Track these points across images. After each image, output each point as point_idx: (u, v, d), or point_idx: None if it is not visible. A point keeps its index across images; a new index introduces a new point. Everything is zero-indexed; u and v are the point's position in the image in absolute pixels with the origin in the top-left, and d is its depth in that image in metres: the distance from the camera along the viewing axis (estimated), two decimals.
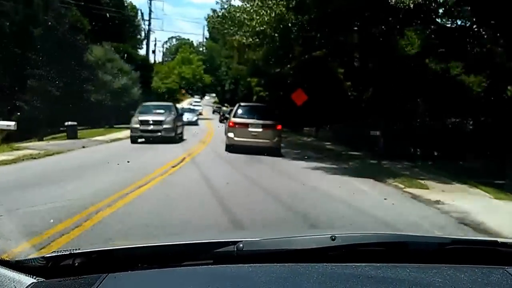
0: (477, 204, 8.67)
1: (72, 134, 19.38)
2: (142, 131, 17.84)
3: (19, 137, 16.79)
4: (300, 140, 25.64)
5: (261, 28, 16.39)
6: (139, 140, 18.19)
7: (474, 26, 17.71)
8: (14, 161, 11.99)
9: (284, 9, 15.89)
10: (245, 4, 19.05)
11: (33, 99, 20.14)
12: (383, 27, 20.74)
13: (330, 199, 8.91)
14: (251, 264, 1.45)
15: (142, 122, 17.89)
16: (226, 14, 21.29)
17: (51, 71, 21.11)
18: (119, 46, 32.99)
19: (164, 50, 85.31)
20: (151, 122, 17.98)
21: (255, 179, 10.83)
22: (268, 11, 16.05)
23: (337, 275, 1.42)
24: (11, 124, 14.36)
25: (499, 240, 1.69)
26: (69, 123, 19.57)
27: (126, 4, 62.88)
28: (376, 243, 1.60)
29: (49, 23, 22.02)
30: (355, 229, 4.97)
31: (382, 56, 21.95)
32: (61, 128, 20.52)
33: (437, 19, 18.61)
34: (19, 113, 19.03)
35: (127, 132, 19.45)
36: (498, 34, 15.73)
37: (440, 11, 16.44)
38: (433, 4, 13.82)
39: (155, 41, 61.30)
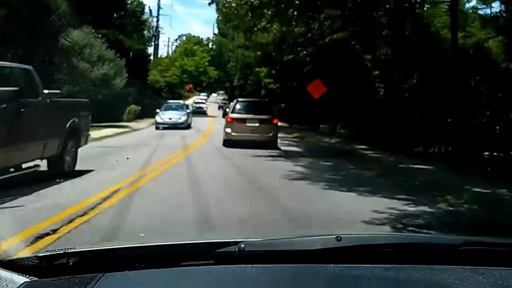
0: None
1: None
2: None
3: None
4: (323, 142, 20.65)
5: None
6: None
7: None
8: None
9: None
10: None
11: None
12: None
13: None
14: (254, 265, 1.44)
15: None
16: None
17: (13, 57, 16.69)
18: (109, 33, 28.77)
19: (174, 48, 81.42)
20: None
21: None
22: None
23: (346, 276, 1.41)
24: None
25: None
26: None
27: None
28: (385, 244, 1.55)
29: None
30: None
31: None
32: None
33: None
34: None
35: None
36: None
37: None
38: None
39: (168, 41, 56.97)
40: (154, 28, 57.94)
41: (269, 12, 15.10)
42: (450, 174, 9.96)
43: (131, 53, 31.34)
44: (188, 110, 27.36)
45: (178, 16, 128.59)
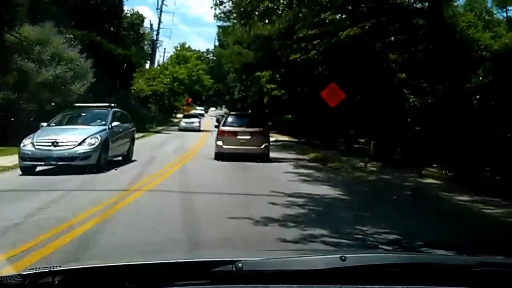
0: None
1: None
2: None
3: None
4: (366, 173, 12.81)
5: None
6: None
7: None
8: None
9: None
10: None
11: None
12: None
13: None
14: (253, 285, 1.40)
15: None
16: None
17: None
18: (84, 34, 24.35)
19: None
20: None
21: None
22: None
23: None
24: None
25: None
26: None
27: (130, 12, 55.74)
28: (391, 264, 1.48)
29: None
30: None
31: None
32: None
33: None
34: None
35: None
36: None
37: None
38: None
39: (164, 51, 52.39)
40: (154, 41, 54.14)
41: None
42: None
43: (118, 58, 26.86)
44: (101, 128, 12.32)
45: (180, 33, 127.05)
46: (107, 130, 11.72)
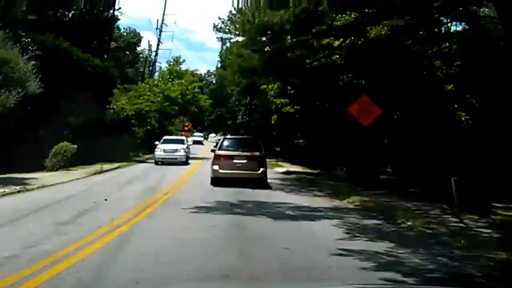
0: None
1: None
2: None
3: None
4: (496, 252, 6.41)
5: None
6: None
7: None
8: None
9: None
10: None
11: None
12: None
13: None
14: None
15: None
16: None
17: None
18: (48, 38, 19.79)
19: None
20: None
21: None
22: None
23: None
24: None
25: None
26: None
27: (126, 31, 51.47)
28: None
29: None
30: None
31: None
32: None
33: None
34: None
35: None
36: None
37: None
38: None
39: (159, 69, 46.99)
40: (152, 62, 49.59)
41: None
42: None
43: (91, 70, 22.02)
44: None
45: (183, 57, 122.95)
46: None
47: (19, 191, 10.66)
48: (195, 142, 58.46)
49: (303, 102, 16.79)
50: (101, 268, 4.87)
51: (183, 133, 68.07)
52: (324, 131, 16.78)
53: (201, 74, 60.13)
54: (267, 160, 15.84)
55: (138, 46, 56.63)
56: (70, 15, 25.54)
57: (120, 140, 22.47)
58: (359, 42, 15.76)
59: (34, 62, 13.77)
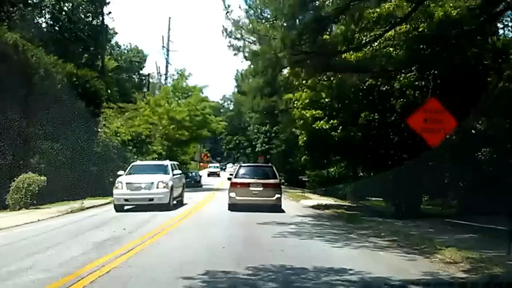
0: None
1: None
2: None
3: None
4: None
5: None
6: None
7: None
8: None
9: None
10: None
11: None
12: None
13: None
14: None
15: None
16: None
17: None
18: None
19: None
20: None
21: None
22: None
23: None
24: None
25: None
26: None
27: (127, 48, 48.39)
28: None
29: None
30: None
31: None
32: None
33: None
34: None
35: None
36: None
37: None
38: None
39: (159, 88, 43.54)
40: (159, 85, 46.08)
41: None
42: None
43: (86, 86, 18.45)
44: None
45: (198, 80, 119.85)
46: None
47: None
48: (210, 174, 53.68)
49: (344, 114, 12.57)
50: None
51: (201, 164, 63.85)
52: (369, 152, 12.57)
53: (215, 101, 54.82)
54: (292, 190, 13.09)
55: (143, 66, 52.66)
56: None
57: (114, 170, 18.59)
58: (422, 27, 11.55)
59: None
